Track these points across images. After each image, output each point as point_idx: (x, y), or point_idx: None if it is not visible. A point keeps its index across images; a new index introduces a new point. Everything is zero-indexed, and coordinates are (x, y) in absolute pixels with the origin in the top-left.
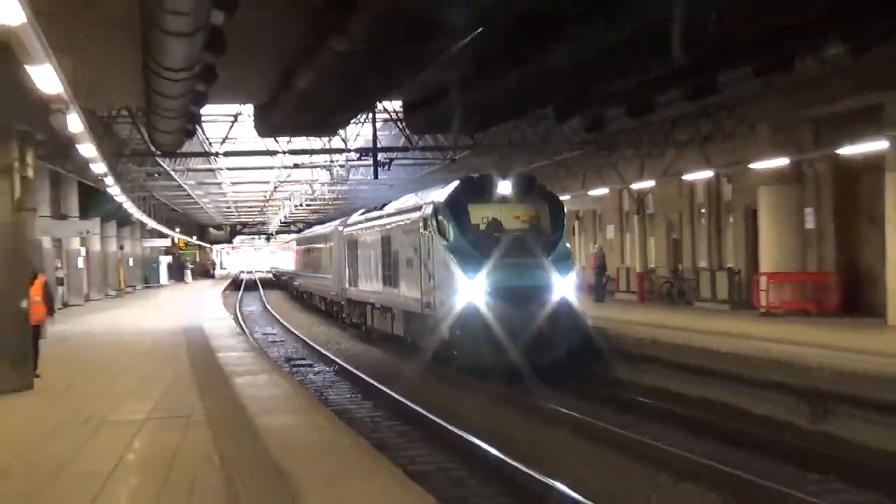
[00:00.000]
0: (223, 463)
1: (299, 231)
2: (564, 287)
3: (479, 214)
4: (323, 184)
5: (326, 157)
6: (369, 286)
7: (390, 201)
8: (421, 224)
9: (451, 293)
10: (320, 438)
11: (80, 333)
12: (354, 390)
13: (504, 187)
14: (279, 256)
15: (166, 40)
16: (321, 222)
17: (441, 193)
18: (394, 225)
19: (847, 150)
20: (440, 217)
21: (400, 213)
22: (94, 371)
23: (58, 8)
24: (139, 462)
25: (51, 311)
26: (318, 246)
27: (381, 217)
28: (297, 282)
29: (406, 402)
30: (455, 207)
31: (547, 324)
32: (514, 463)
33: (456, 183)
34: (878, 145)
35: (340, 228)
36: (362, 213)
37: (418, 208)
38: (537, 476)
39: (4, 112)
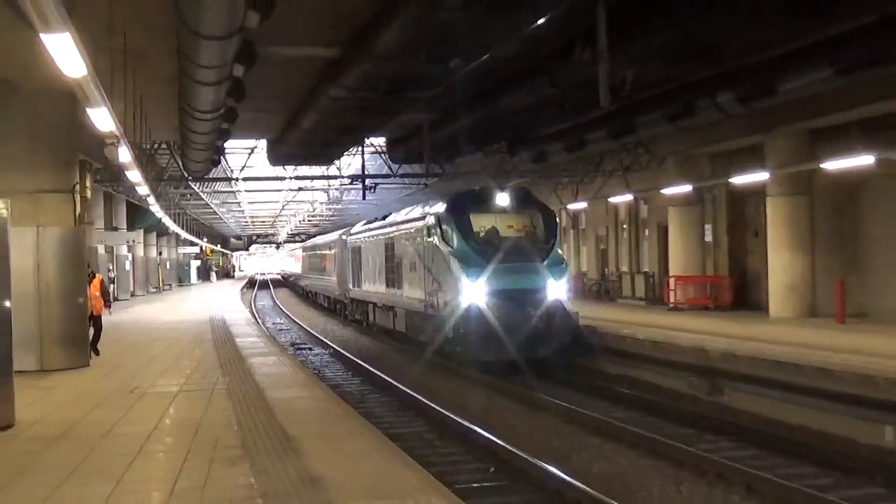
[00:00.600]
0: (240, 426)
1: (303, 240)
2: (558, 289)
3: (480, 223)
4: (321, 203)
5: (324, 182)
6: (372, 287)
7: (391, 213)
8: (425, 232)
9: (456, 295)
10: (318, 407)
11: (127, 322)
12: (346, 369)
13: (502, 198)
14: (287, 261)
15: (198, 88)
16: (322, 233)
17: (444, 204)
18: (397, 233)
19: (736, 179)
20: (444, 225)
21: (403, 223)
22: (138, 352)
23: (112, 64)
24: (173, 425)
25: (107, 304)
26: (322, 252)
27: (384, 227)
28: (303, 283)
29: (387, 378)
30: (458, 216)
31: (542, 322)
32: (474, 426)
33: (458, 194)
34: (760, 176)
35: (344, 237)
36: (365, 224)
37: (422, 218)
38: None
39: (70, 145)
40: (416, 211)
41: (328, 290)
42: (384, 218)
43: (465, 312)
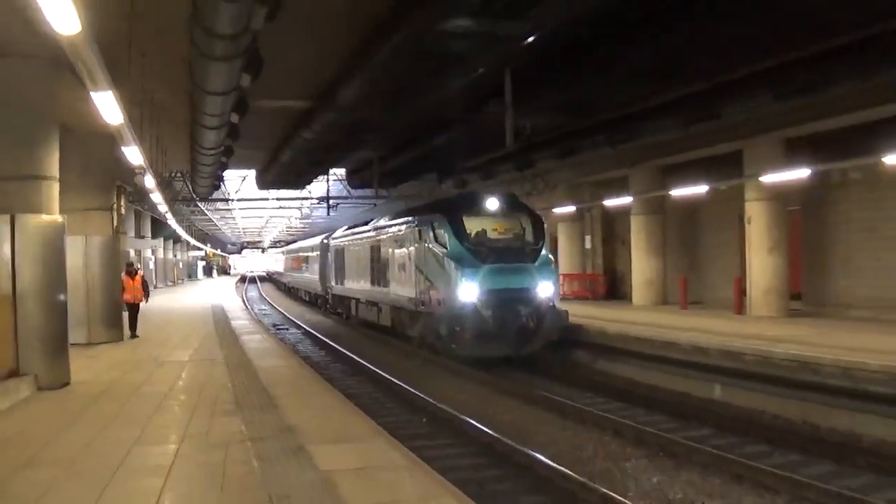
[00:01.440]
0: (234, 386)
1: (285, 245)
2: (548, 289)
3: (472, 226)
4: (296, 218)
5: (298, 201)
6: (356, 285)
7: (373, 220)
8: (416, 234)
9: (450, 294)
10: (292, 373)
11: (150, 308)
12: (315, 345)
13: (492, 203)
14: (271, 262)
15: (204, 132)
16: (303, 239)
17: (438, 208)
18: (384, 237)
19: (609, 202)
20: (438, 228)
21: (389, 227)
22: (158, 330)
23: (141, 114)
24: (185, 385)
25: (146, 296)
26: (305, 254)
27: (368, 232)
28: (286, 280)
29: (346, 352)
30: (452, 219)
31: (532, 320)
32: (410, 388)
33: (450, 199)
34: (626, 199)
35: (326, 241)
36: (347, 229)
37: (412, 222)
38: (414, 390)
39: (110, 174)
40: (402, 216)
41: (310, 287)
42: (367, 224)
43: (461, 311)
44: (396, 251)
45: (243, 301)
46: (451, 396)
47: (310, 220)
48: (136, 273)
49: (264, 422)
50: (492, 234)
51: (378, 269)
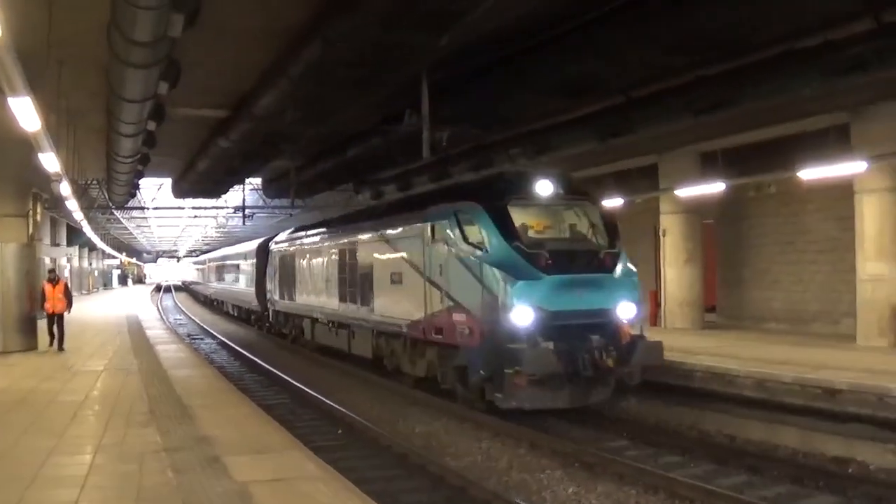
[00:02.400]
0: (149, 396)
1: (201, 253)
2: (629, 310)
3: (522, 218)
4: (212, 227)
5: (214, 211)
6: (314, 300)
7: (336, 218)
8: (426, 232)
9: (493, 318)
10: (207, 383)
11: (65, 316)
12: (230, 355)
13: (545, 185)
14: (187, 271)
15: (121, 139)
16: (223, 246)
17: (465, 193)
18: (364, 237)
19: None
20: (470, 223)
21: (375, 224)
22: (72, 339)
23: (58, 120)
24: (99, 395)
25: (69, 304)
26: (234, 262)
27: (334, 232)
28: (208, 291)
29: (260, 361)
30: (493, 209)
31: (611, 356)
32: (325, 399)
33: (484, 180)
34: None
35: (267, 246)
36: (298, 231)
37: (414, 216)
38: (329, 401)
39: (25, 181)
40: (404, 208)
41: (241, 300)
42: (332, 223)
43: (511, 343)
44: (386, 257)
45: (158, 311)
46: (366, 408)
47: (225, 230)
48: (58, 281)
49: (179, 432)
50: (549, 232)
51: (352, 281)
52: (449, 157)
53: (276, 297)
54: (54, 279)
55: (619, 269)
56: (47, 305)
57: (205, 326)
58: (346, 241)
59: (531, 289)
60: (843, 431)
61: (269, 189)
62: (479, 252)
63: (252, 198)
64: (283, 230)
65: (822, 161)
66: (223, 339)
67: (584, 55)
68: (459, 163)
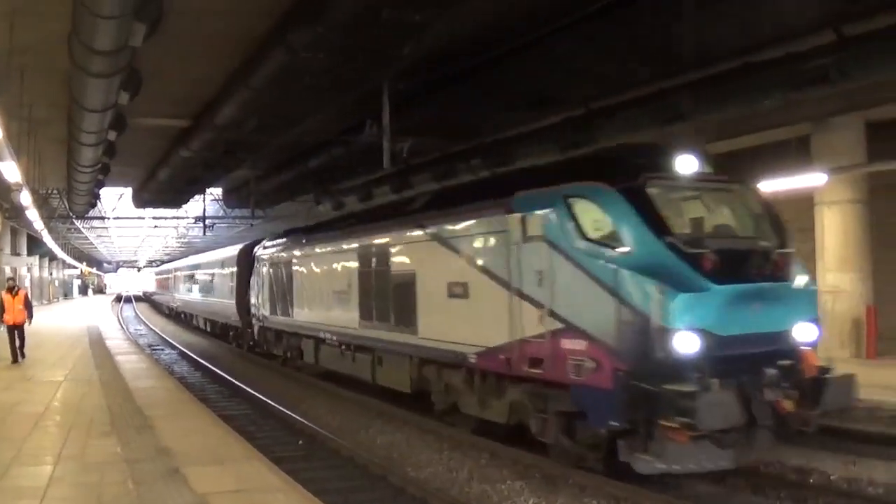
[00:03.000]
0: (109, 407)
1: (162, 263)
2: (811, 333)
3: (669, 206)
4: (172, 238)
5: (175, 221)
6: (319, 316)
7: (364, 211)
8: (516, 227)
9: (641, 346)
10: (168, 395)
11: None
12: (190, 366)
13: (691, 163)
14: (148, 281)
15: (81, 149)
16: (184, 255)
17: (584, 171)
18: (403, 238)
19: None
20: (599, 211)
21: (424, 221)
22: (33, 349)
23: (19, 132)
24: (60, 406)
25: (29, 316)
26: (209, 271)
27: (355, 233)
28: (175, 304)
29: (220, 372)
30: (632, 193)
31: (792, 401)
32: (286, 410)
33: (609, 154)
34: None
35: (256, 252)
36: (293, 234)
37: (499, 206)
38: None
39: None
40: (476, 194)
41: (215, 314)
42: (346, 221)
43: (673, 385)
44: (439, 262)
45: (119, 321)
46: (325, 419)
47: (186, 240)
48: (18, 290)
49: (140, 443)
50: (705, 225)
51: (380, 293)
52: (410, 168)
53: (265, 311)
54: (15, 289)
55: (796, 275)
56: (7, 317)
57: (165, 337)
58: (371, 242)
59: (697, 304)
60: None
61: (230, 199)
62: (610, 252)
63: (213, 208)
64: (271, 234)
65: (783, 173)
66: (184, 349)
67: (544, 67)
68: (421, 173)
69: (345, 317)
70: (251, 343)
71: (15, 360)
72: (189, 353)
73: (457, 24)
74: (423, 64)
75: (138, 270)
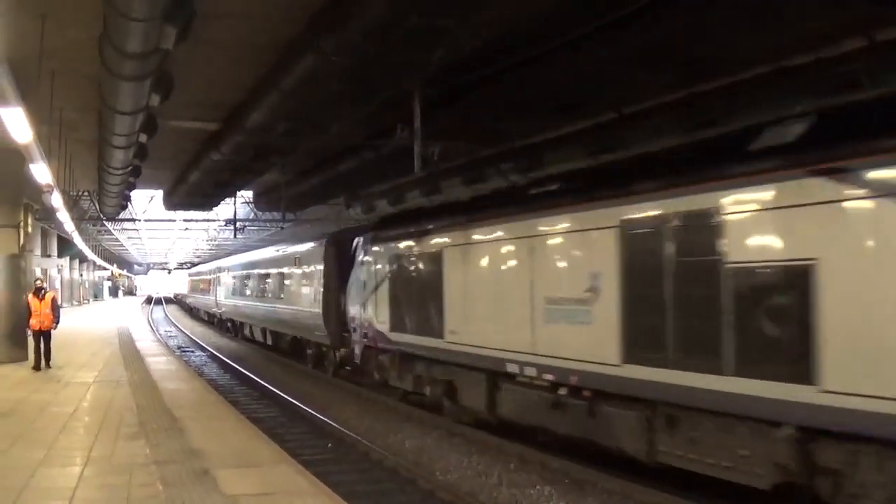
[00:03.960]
0: (139, 408)
1: (192, 265)
2: None
3: None
4: (203, 240)
5: (205, 223)
6: (508, 339)
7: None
8: None
9: None
10: (197, 396)
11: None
12: (220, 368)
13: None
14: (179, 283)
15: (112, 151)
16: (209, 258)
17: None
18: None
19: None
20: None
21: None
22: (63, 350)
23: (50, 132)
24: (90, 406)
25: (56, 320)
26: (272, 271)
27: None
28: (217, 310)
29: (249, 374)
30: None
31: None
32: (315, 412)
33: None
34: None
35: (364, 244)
36: (447, 217)
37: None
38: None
39: (17, 191)
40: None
41: (287, 326)
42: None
43: None
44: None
45: (149, 323)
46: (356, 422)
47: (216, 243)
48: (45, 294)
49: (169, 445)
50: None
51: (694, 305)
52: (441, 172)
53: (381, 324)
54: (41, 292)
55: None
56: (33, 322)
57: (195, 339)
58: (688, 209)
59: None
60: None
61: (260, 202)
62: None
63: (243, 211)
64: (371, 220)
65: None
66: (213, 351)
67: (573, 72)
68: (451, 177)
69: (580, 342)
70: (347, 367)
71: (37, 368)
72: (218, 355)
73: (485, 30)
74: (454, 68)
75: (168, 272)
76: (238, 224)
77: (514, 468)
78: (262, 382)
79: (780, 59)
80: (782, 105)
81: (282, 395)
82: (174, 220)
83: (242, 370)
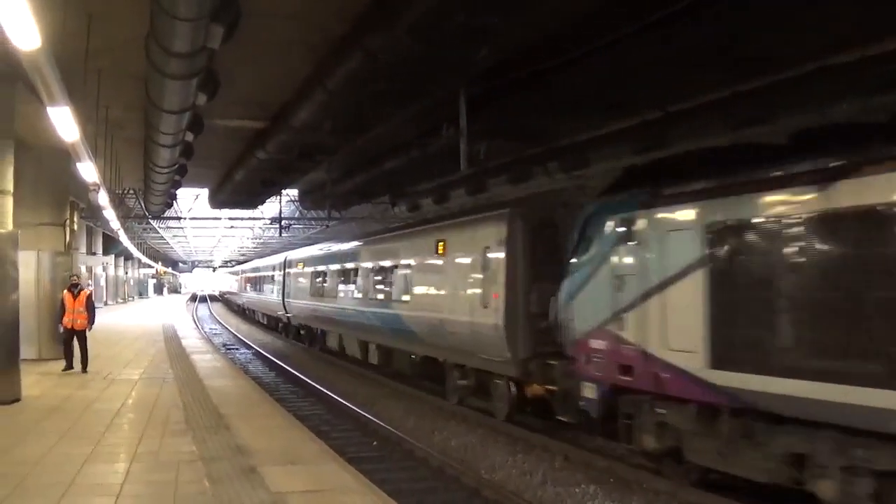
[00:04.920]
0: (185, 405)
1: (236, 263)
2: None
3: None
4: (248, 238)
5: (250, 222)
6: None
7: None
8: None
9: None
10: (242, 393)
11: (101, 324)
12: (265, 366)
13: None
14: (225, 281)
15: (158, 149)
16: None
17: None
18: None
19: None
20: None
21: None
22: (109, 347)
23: (96, 131)
24: (135, 403)
25: (91, 321)
26: (380, 263)
27: None
28: (287, 313)
29: (295, 372)
30: None
31: None
32: (360, 410)
33: None
34: None
35: (627, 216)
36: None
37: None
38: (364, 413)
39: (64, 190)
40: None
41: (412, 341)
42: None
43: None
44: None
45: (194, 320)
46: (399, 419)
47: (261, 241)
48: (81, 291)
49: (215, 442)
50: None
51: None
52: (486, 170)
53: (676, 353)
54: (76, 287)
55: None
56: (66, 320)
57: (240, 336)
58: None
59: None
60: None
61: (306, 200)
62: None
63: (288, 209)
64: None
65: None
66: (258, 349)
67: (620, 71)
68: (497, 176)
69: None
70: (528, 409)
71: (69, 367)
72: (263, 352)
73: (531, 28)
74: (499, 67)
75: (213, 270)
76: (283, 222)
77: (559, 467)
78: (306, 380)
79: (824, 58)
80: (826, 103)
81: (327, 392)
82: (219, 219)
83: (287, 367)
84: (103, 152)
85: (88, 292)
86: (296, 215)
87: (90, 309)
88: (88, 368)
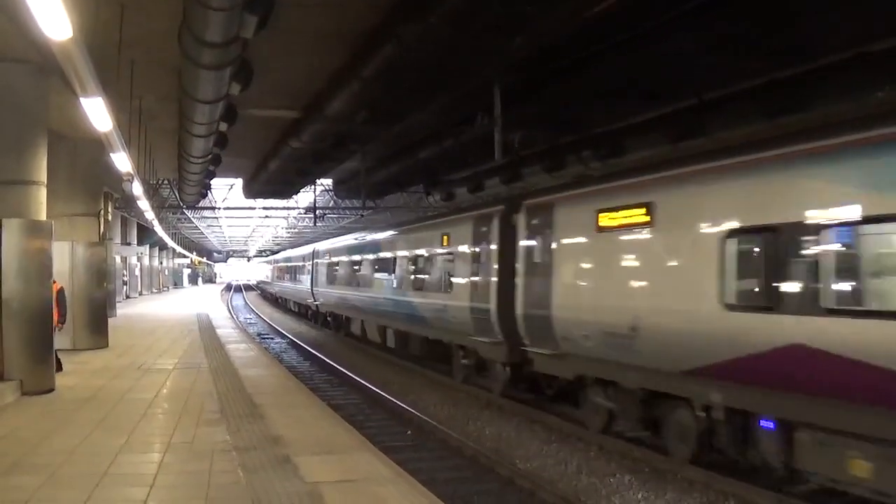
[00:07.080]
0: (219, 395)
1: (270, 252)
2: None
3: None
4: (282, 228)
5: (285, 211)
6: None
7: None
8: None
9: None
10: (277, 382)
11: (136, 314)
12: (300, 355)
13: None
14: (260, 271)
15: (192, 139)
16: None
17: None
18: None
19: None
20: None
21: None
22: (143, 337)
23: (130, 121)
24: (170, 392)
25: (62, 319)
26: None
27: None
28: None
29: (330, 361)
30: None
31: None
32: (395, 400)
33: None
34: None
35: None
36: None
37: None
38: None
39: (97, 180)
40: None
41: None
42: None
43: None
44: None
45: (229, 310)
46: (433, 410)
47: (295, 231)
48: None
49: (249, 431)
50: None
51: None
52: (521, 159)
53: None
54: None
55: None
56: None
57: (274, 325)
58: None
59: None
60: None
61: (340, 190)
62: None
63: (323, 198)
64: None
65: None
66: (293, 338)
67: (655, 59)
68: (532, 164)
69: None
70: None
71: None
72: (298, 341)
73: (566, 16)
74: (533, 56)
75: (248, 260)
76: (318, 212)
77: (594, 456)
78: (340, 369)
79: (861, 45)
80: (864, 91)
81: (362, 381)
82: (254, 208)
83: (322, 356)
84: (137, 142)
85: (59, 286)
86: (330, 204)
87: (61, 304)
88: (117, 357)
